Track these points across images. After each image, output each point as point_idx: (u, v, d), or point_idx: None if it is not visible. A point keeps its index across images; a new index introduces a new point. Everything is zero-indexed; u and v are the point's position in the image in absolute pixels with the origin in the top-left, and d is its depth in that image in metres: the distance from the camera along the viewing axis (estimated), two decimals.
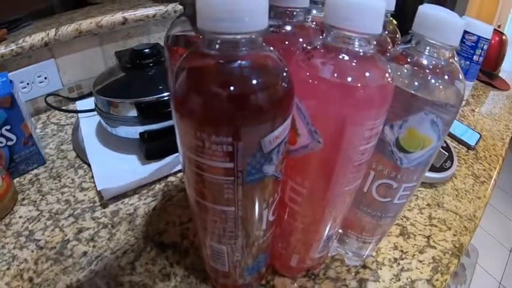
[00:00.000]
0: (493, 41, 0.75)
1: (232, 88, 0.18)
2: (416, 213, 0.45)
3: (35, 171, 0.49)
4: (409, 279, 0.37)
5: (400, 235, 0.41)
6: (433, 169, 0.50)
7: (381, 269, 0.37)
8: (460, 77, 0.24)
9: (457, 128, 0.62)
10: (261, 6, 0.17)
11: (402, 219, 0.44)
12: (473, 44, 0.64)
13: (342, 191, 0.24)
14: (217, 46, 0.18)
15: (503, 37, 0.76)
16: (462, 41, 0.66)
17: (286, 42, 0.27)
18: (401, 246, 0.40)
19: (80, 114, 0.55)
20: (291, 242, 0.30)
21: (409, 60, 0.24)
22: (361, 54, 0.21)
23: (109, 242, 0.38)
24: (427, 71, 0.23)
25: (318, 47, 0.22)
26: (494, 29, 0.76)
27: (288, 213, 0.28)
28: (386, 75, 0.21)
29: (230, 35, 0.17)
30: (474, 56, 0.65)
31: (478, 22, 0.64)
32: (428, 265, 0.39)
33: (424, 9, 0.23)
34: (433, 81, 0.23)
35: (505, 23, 1.37)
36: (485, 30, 0.63)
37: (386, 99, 0.21)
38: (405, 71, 0.24)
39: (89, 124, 0.54)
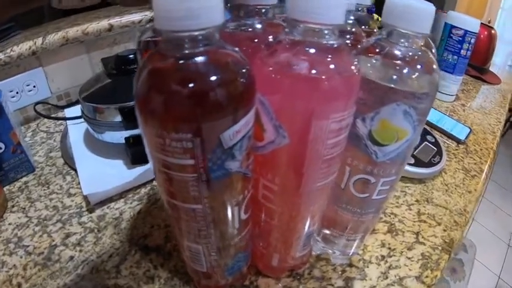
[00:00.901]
0: (482, 36, 0.74)
1: (186, 84, 0.17)
2: (404, 210, 0.44)
3: (25, 178, 0.49)
4: (397, 277, 0.35)
5: (387, 232, 0.40)
6: (421, 164, 0.48)
7: (367, 267, 0.36)
8: (434, 66, 0.23)
9: (446, 123, 0.61)
10: (214, 2, 0.17)
11: (390, 216, 0.42)
12: (460, 39, 0.63)
13: (315, 187, 0.23)
14: (173, 44, 0.18)
15: (492, 31, 0.75)
16: (449, 36, 0.65)
17: (256, 40, 0.26)
18: (389, 244, 0.39)
19: (68, 122, 0.54)
20: (270, 241, 0.29)
21: (380, 51, 0.23)
22: (324, 46, 0.20)
23: (95, 246, 0.38)
24: (398, 61, 0.22)
25: (281, 41, 0.21)
26: (483, 24, 0.75)
27: (264, 212, 0.26)
28: (352, 66, 0.20)
29: (184, 32, 0.17)
30: (461, 51, 0.64)
31: (464, 16, 0.63)
32: (417, 262, 0.37)
33: None
34: (404, 71, 0.22)
35: (495, 18, 1.35)
36: (472, 24, 0.62)
37: (352, 91, 0.20)
38: (375, 62, 0.23)
39: (77, 131, 0.53)
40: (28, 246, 0.38)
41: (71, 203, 0.44)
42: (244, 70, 0.19)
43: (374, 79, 0.22)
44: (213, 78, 0.18)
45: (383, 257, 0.37)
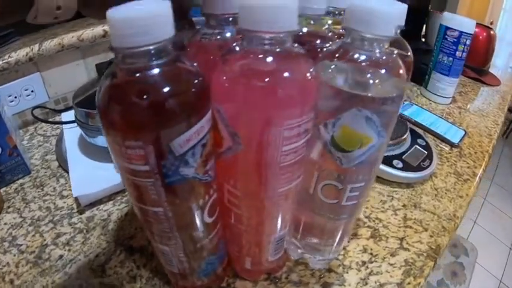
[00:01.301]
0: (480, 37, 0.72)
1: (134, 97, 0.18)
2: (390, 215, 0.42)
3: (21, 180, 0.50)
4: (378, 283, 0.34)
5: (370, 237, 0.39)
6: (409, 168, 0.47)
7: (347, 272, 0.35)
8: (401, 70, 0.22)
9: (440, 126, 0.59)
10: (163, 18, 0.17)
11: (374, 221, 0.41)
12: (455, 40, 0.61)
13: (277, 193, 0.23)
14: (127, 59, 0.18)
15: (491, 32, 0.72)
16: (444, 37, 0.63)
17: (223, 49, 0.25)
18: (371, 249, 0.38)
19: (64, 126, 0.55)
20: (241, 244, 0.28)
21: (342, 56, 0.22)
22: (276, 53, 0.19)
23: (83, 246, 0.39)
24: (360, 66, 0.21)
25: (235, 51, 0.20)
26: (482, 25, 0.73)
27: (232, 216, 0.26)
28: (307, 73, 0.19)
29: (136, 48, 0.17)
30: (457, 52, 0.62)
31: (459, 17, 0.61)
32: (399, 268, 0.36)
33: (353, 1, 0.21)
34: (365, 76, 0.21)
35: (497, 19, 1.30)
36: (467, 25, 0.60)
37: (307, 97, 0.19)
38: (337, 67, 0.22)
39: (72, 135, 0.54)
40: (21, 245, 0.39)
41: (63, 204, 0.45)
42: (195, 81, 0.19)
43: (334, 84, 0.21)
44: (161, 90, 0.18)
45: (364, 262, 0.36)
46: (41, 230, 0.41)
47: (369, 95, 0.20)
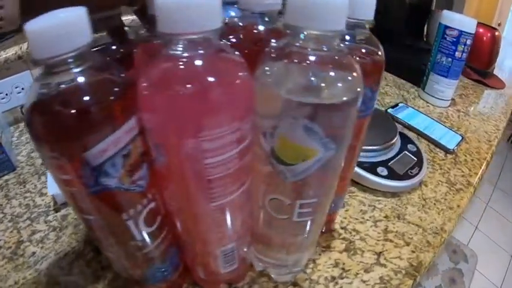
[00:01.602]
0: (484, 38, 0.65)
1: (45, 108, 0.18)
2: (369, 226, 0.38)
3: (6, 177, 0.49)
4: None
5: (344, 251, 0.35)
6: (395, 177, 0.42)
7: (313, 287, 0.31)
8: (354, 73, 0.18)
9: (435, 130, 0.54)
10: (75, 27, 0.16)
11: (351, 232, 0.37)
12: (455, 39, 0.55)
13: (211, 207, 0.19)
14: (47, 70, 0.18)
15: (496, 33, 0.65)
16: (443, 37, 0.57)
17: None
18: (343, 264, 0.34)
19: None
20: (189, 254, 0.25)
21: (284, 56, 0.18)
22: (197, 57, 0.16)
23: (55, 244, 0.38)
24: (303, 66, 0.18)
25: (160, 55, 0.17)
26: (487, 25, 0.66)
27: (177, 226, 0.23)
28: (233, 77, 0.16)
29: (52, 58, 0.16)
30: (456, 53, 0.56)
31: (459, 16, 0.55)
32: (373, 286, 0.32)
33: None
34: (307, 78, 0.18)
35: (505, 21, 1.20)
36: (467, 24, 0.54)
37: (228, 105, 0.16)
38: (277, 69, 0.18)
39: None
40: (0, 240, 0.39)
41: (41, 202, 0.44)
42: (114, 89, 0.18)
43: (269, 89, 0.17)
44: (71, 101, 0.17)
45: (333, 278, 0.32)
46: (18, 227, 0.40)
47: (304, 100, 0.17)
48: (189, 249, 0.25)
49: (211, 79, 0.16)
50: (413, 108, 0.60)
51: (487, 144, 0.54)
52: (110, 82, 0.19)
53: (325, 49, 0.18)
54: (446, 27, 0.56)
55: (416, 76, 0.66)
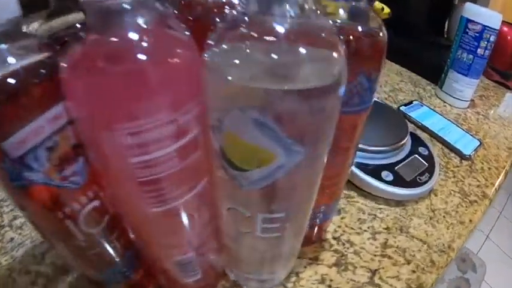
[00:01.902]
0: (508, 37, 0.57)
1: None
2: (366, 238, 0.33)
3: None
4: None
5: (334, 265, 0.30)
6: (401, 183, 0.36)
7: None
8: (334, 52, 0.13)
9: (451, 133, 0.47)
10: None
11: (344, 244, 0.32)
12: (477, 35, 0.48)
13: (152, 212, 0.15)
14: None
15: None
16: (465, 31, 0.50)
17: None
18: (331, 280, 0.29)
19: None
20: (147, 260, 0.22)
21: (236, 31, 0.14)
22: (123, 32, 0.12)
23: (32, 231, 0.36)
24: (262, 43, 0.13)
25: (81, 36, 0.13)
26: (510, 23, 0.58)
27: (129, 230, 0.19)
28: (158, 55, 0.12)
29: None
30: (478, 49, 0.49)
31: (483, 9, 0.48)
32: None
33: None
34: (263, 56, 0.13)
35: None
36: (491, 18, 0.46)
37: (145, 91, 0.12)
38: (226, 47, 0.14)
39: None
40: None
41: None
42: (31, 73, 0.14)
43: (215, 72, 0.13)
44: None
45: None
46: (2, 211, 0.39)
47: (253, 85, 0.12)
48: (145, 254, 0.21)
49: (132, 57, 0.12)
50: (428, 107, 0.53)
51: (506, 152, 0.46)
52: (35, 64, 0.15)
53: (292, 18, 0.13)
54: (469, 20, 0.49)
55: (435, 73, 0.58)
